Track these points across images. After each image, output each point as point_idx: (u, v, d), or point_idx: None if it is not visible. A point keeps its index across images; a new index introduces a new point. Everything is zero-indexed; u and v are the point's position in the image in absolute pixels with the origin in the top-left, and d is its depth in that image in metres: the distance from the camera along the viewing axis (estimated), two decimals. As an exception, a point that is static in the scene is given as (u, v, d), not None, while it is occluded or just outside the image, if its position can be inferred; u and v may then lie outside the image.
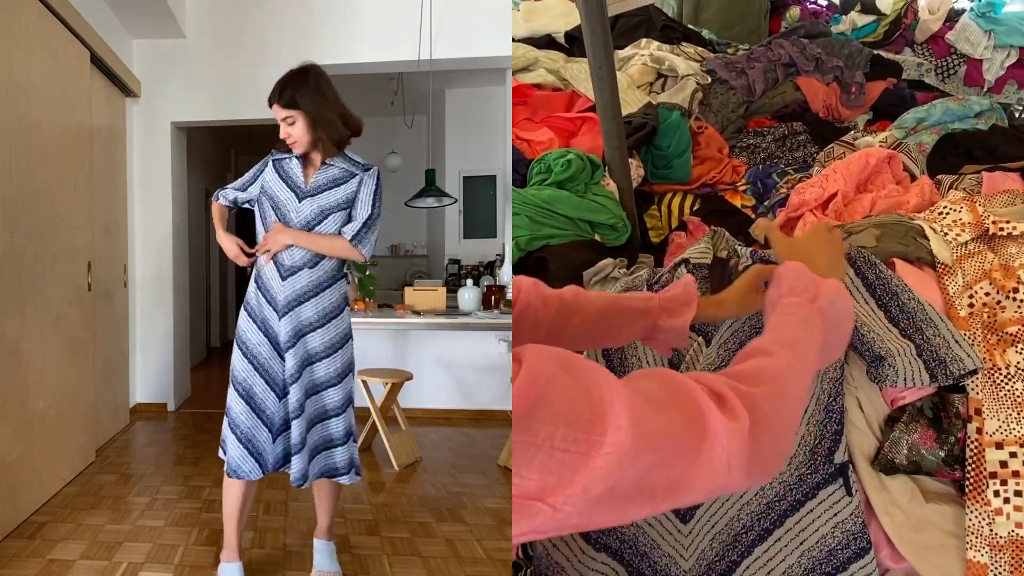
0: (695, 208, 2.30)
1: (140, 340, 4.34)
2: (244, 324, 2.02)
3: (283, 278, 1.97)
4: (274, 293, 1.97)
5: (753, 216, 2.26)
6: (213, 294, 7.54)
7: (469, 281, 4.30)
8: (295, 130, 2.01)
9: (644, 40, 3.12)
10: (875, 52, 3.16)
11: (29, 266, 2.63)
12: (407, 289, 4.29)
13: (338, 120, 2.05)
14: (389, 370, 3.63)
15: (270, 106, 2.07)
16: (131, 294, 4.20)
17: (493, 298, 4.15)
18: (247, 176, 2.15)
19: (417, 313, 3.91)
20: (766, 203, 2.25)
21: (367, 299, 4.10)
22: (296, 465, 1.95)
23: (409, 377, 3.51)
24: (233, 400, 2.00)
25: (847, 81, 2.87)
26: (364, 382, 3.39)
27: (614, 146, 2.17)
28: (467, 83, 5.85)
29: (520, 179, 2.35)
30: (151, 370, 4.38)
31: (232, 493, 2.03)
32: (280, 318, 1.96)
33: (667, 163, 2.40)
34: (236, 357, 2.02)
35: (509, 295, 4.04)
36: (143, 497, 2.80)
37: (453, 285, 5.26)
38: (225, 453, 2.02)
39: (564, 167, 2.14)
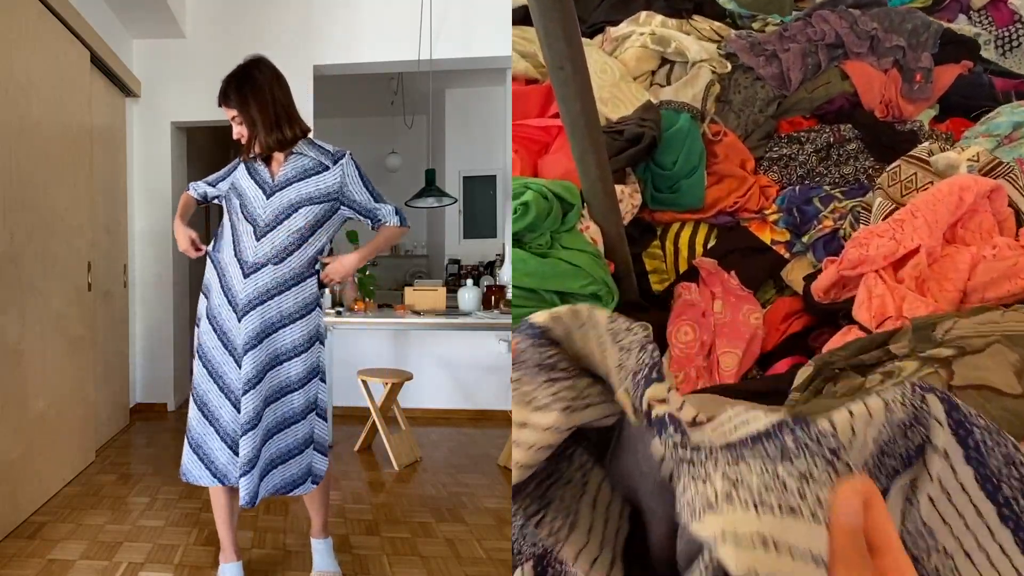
0: (710, 244, 1.80)
1: (140, 340, 4.34)
2: (203, 326, 1.92)
3: (245, 276, 1.85)
4: (235, 293, 1.86)
5: (787, 256, 1.76)
6: (213, 294, 7.53)
7: (469, 281, 4.30)
8: (244, 129, 1.95)
9: (644, 14, 2.30)
10: (946, 26, 2.37)
11: (29, 266, 2.63)
12: (407, 289, 4.29)
13: (277, 121, 1.91)
14: (389, 370, 3.63)
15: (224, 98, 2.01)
16: (131, 294, 4.20)
17: (493, 298, 4.14)
18: (220, 172, 2.10)
19: (417, 313, 3.91)
20: (804, 239, 1.75)
21: (367, 299, 4.10)
22: (244, 485, 1.82)
23: (409, 377, 3.51)
24: (191, 403, 1.96)
25: (909, 67, 2.17)
26: (364, 382, 3.39)
27: (594, 176, 1.52)
28: (467, 83, 5.85)
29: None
30: (151, 370, 4.38)
31: (216, 497, 2.01)
32: (240, 319, 1.84)
33: (673, 184, 1.82)
34: (195, 362, 1.93)
35: (509, 295, 4.03)
36: (143, 497, 2.80)
37: (453, 285, 5.26)
38: None
39: (519, 213, 1.54)
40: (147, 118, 4.29)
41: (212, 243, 2.00)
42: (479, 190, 6.10)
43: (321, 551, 2.11)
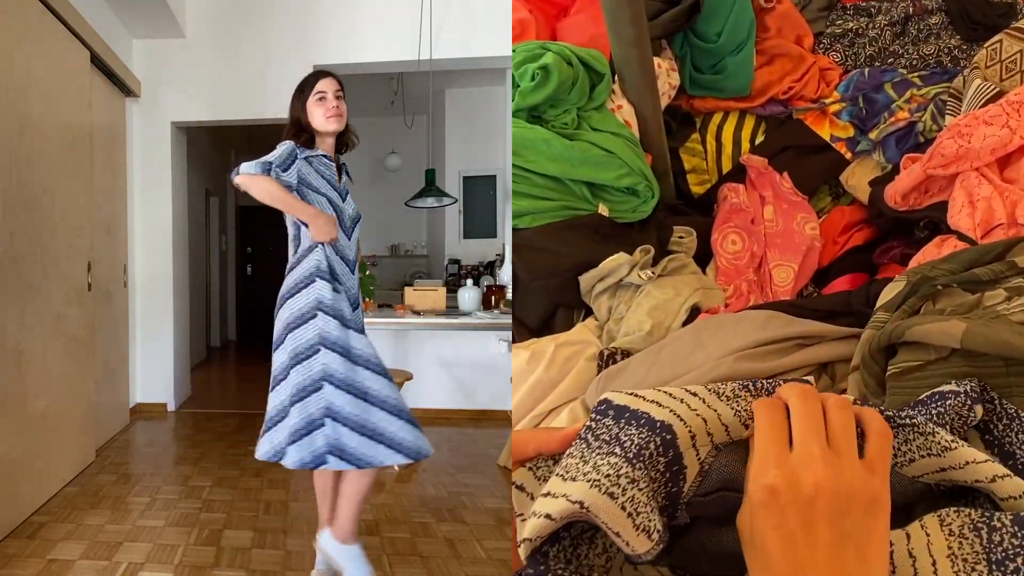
0: (758, 140, 1.52)
1: (140, 340, 4.34)
2: (323, 318, 1.88)
3: (352, 272, 2.02)
4: (348, 286, 1.97)
5: (849, 156, 1.48)
6: (213, 294, 7.54)
7: (469, 281, 4.30)
8: (343, 107, 1.96)
9: None
10: None
11: (29, 266, 2.63)
12: (407, 289, 4.29)
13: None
14: (389, 370, 3.63)
15: (323, 77, 1.98)
16: (131, 294, 4.20)
17: (493, 298, 4.14)
18: (283, 157, 1.90)
19: (417, 313, 3.91)
20: (872, 134, 1.46)
21: (367, 299, 4.10)
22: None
23: (409, 377, 3.51)
24: (330, 392, 1.89)
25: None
26: (364, 382, 3.38)
27: (628, 38, 1.24)
28: (467, 83, 5.85)
29: None
30: (151, 370, 4.38)
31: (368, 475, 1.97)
32: (353, 310, 2.00)
33: (716, 63, 1.51)
34: (323, 352, 1.89)
35: (509, 295, 4.03)
36: (143, 497, 2.80)
37: (453, 285, 5.26)
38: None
39: (537, 80, 1.25)
40: (147, 118, 4.29)
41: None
42: (479, 190, 6.10)
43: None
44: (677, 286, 1.18)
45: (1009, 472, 0.48)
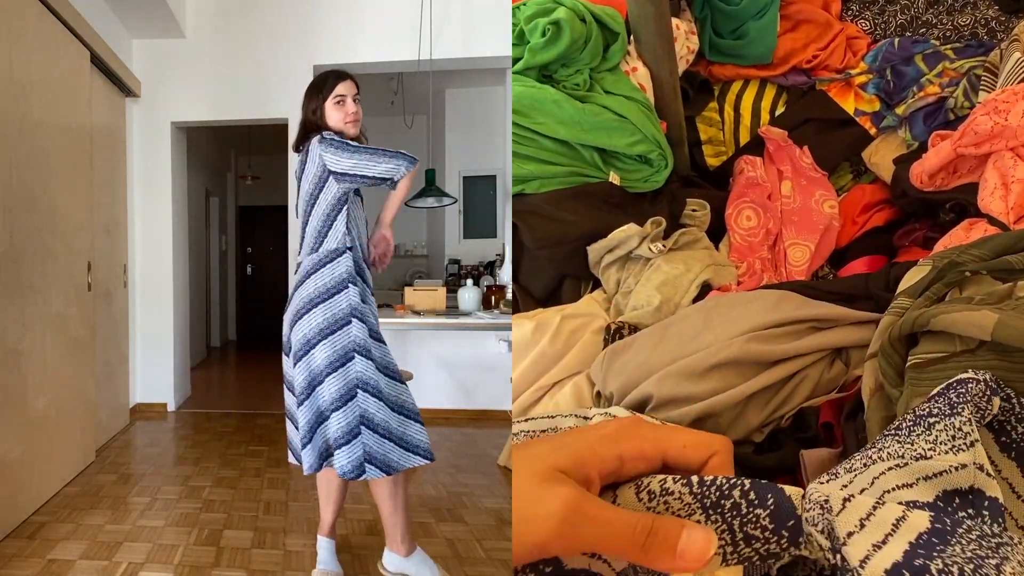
0: (779, 112, 1.45)
1: (140, 340, 4.34)
2: (356, 323, 1.87)
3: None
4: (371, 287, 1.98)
5: (874, 132, 1.41)
6: (213, 294, 7.54)
7: (469, 281, 4.30)
8: (360, 111, 2.01)
9: None
10: None
11: (29, 266, 2.63)
12: (407, 289, 4.28)
13: None
14: (389, 370, 3.63)
15: (342, 79, 1.98)
16: (131, 294, 4.20)
17: (493, 298, 4.15)
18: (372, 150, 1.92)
19: (417, 313, 3.91)
20: (898, 109, 1.38)
21: (367, 299, 4.10)
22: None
23: (409, 377, 3.51)
24: (367, 398, 1.89)
25: None
26: (364, 382, 3.38)
27: None
28: (467, 83, 5.85)
29: None
30: (151, 370, 4.38)
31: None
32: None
33: (738, 28, 1.44)
34: (358, 358, 1.87)
35: (509, 295, 4.04)
36: (143, 497, 2.80)
37: (453, 285, 5.26)
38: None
39: (548, 36, 1.18)
40: (147, 118, 4.29)
41: (346, 235, 1.91)
42: (479, 190, 6.10)
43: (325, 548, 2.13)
44: (688, 261, 1.13)
45: None
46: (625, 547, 0.44)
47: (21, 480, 2.53)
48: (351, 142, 1.94)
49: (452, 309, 4.12)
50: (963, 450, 0.49)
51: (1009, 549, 0.43)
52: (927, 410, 0.55)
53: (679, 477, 0.48)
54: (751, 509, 0.46)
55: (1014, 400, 0.55)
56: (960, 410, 0.52)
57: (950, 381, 0.57)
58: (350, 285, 1.87)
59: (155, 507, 2.69)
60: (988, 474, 0.48)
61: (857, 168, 1.45)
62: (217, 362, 6.88)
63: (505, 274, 4.70)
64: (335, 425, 1.84)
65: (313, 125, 1.97)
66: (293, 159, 4.04)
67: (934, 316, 0.73)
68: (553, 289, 1.23)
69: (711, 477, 0.48)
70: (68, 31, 3.06)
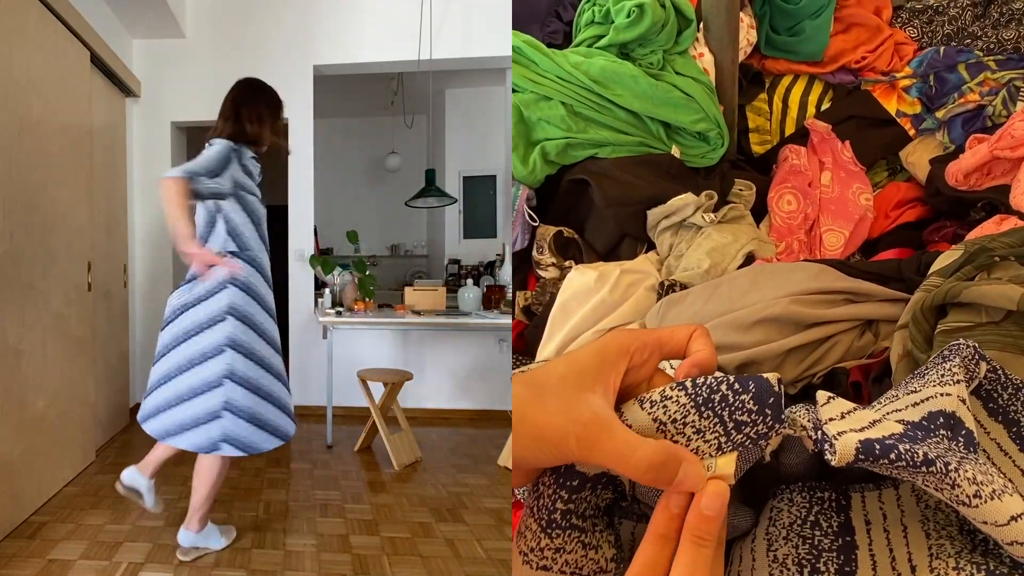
0: (824, 107, 1.54)
1: (140, 340, 4.34)
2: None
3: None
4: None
5: (913, 133, 1.48)
6: (213, 294, 7.52)
7: (469, 281, 4.31)
8: None
9: None
10: None
11: (29, 266, 2.63)
12: (407, 289, 4.29)
13: None
14: (389, 370, 3.63)
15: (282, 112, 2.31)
16: (131, 294, 4.20)
17: (493, 298, 4.15)
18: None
19: (417, 313, 3.91)
20: (939, 113, 1.46)
21: (367, 299, 4.10)
22: None
23: (409, 377, 3.51)
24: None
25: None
26: (364, 382, 3.39)
27: None
28: (467, 83, 5.85)
29: (564, 31, 1.48)
30: (151, 370, 4.37)
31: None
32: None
33: (794, 25, 1.54)
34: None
35: (509, 295, 4.04)
36: (143, 497, 2.80)
37: (453, 285, 5.26)
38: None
39: (632, 17, 1.29)
40: (147, 118, 4.29)
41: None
42: (479, 190, 6.10)
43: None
44: (735, 232, 1.24)
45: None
46: (635, 472, 0.49)
47: (21, 480, 2.53)
48: None
49: (452, 309, 4.12)
50: (949, 384, 0.56)
51: (971, 462, 0.48)
52: (923, 369, 0.62)
53: (675, 384, 0.54)
54: (736, 396, 0.51)
55: (999, 371, 0.62)
56: (951, 359, 0.59)
57: (943, 348, 0.62)
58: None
59: (155, 507, 2.69)
60: (968, 408, 0.53)
61: (893, 166, 1.52)
62: (217, 362, 6.87)
63: (505, 274, 4.70)
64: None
65: None
66: (293, 159, 4.04)
67: (966, 288, 0.81)
68: (613, 246, 1.35)
69: (701, 378, 0.53)
70: (68, 31, 3.06)
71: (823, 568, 0.56)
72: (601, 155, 1.31)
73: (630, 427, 0.53)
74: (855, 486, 0.61)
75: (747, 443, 0.51)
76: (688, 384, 0.53)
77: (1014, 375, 0.62)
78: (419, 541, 2.40)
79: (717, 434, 0.51)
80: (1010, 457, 0.60)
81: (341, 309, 3.96)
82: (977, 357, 0.61)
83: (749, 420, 0.51)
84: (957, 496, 0.48)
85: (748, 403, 0.51)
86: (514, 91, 1.32)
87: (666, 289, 1.20)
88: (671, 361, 0.63)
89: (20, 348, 2.54)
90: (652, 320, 1.12)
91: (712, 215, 1.25)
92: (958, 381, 0.56)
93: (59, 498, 2.78)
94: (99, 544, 2.34)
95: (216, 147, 2.09)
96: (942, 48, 1.54)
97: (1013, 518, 0.46)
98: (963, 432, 0.52)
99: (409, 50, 4.07)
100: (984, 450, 0.60)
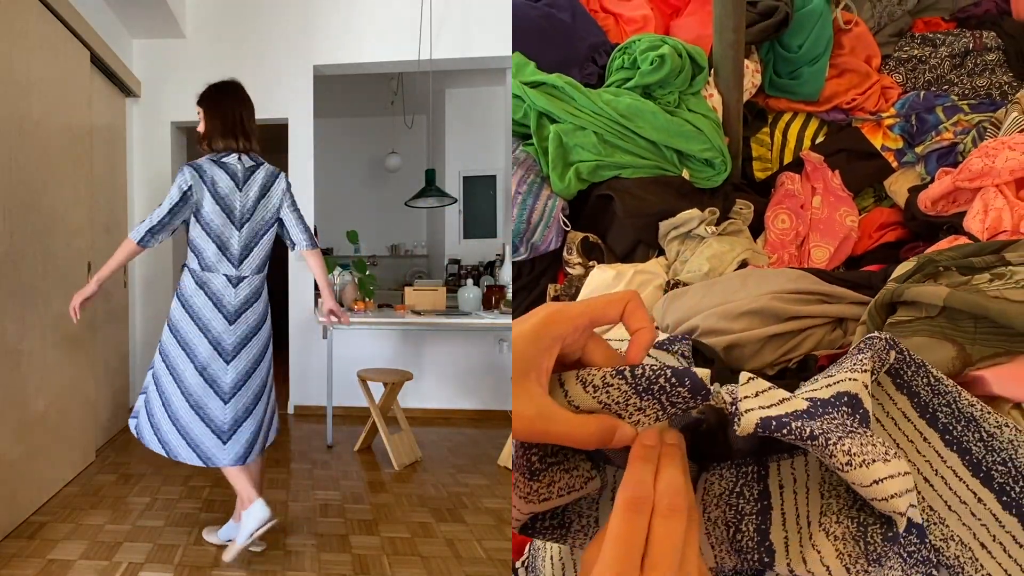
0: (819, 140, 1.76)
1: (140, 340, 4.34)
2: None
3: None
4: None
5: (896, 165, 1.70)
6: (213, 294, 7.53)
7: (469, 281, 4.31)
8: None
9: None
10: None
11: (29, 266, 2.63)
12: (407, 289, 4.29)
13: None
14: (389, 370, 3.64)
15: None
16: (131, 294, 4.20)
17: (493, 298, 4.15)
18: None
19: (417, 313, 3.91)
20: (918, 149, 1.68)
21: (367, 299, 4.10)
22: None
23: (409, 377, 3.51)
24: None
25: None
26: (364, 382, 3.39)
27: (728, 42, 1.57)
28: (467, 83, 5.85)
29: (598, 74, 1.73)
30: (151, 370, 4.38)
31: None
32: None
33: (794, 70, 1.77)
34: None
35: (509, 295, 4.04)
36: (143, 497, 2.80)
37: (453, 285, 5.27)
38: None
39: (655, 65, 1.56)
40: (147, 118, 4.29)
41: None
42: (479, 190, 6.10)
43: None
44: (733, 243, 1.46)
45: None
46: (583, 444, 0.61)
47: (21, 480, 2.53)
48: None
49: (452, 309, 4.12)
50: (858, 372, 0.68)
51: (858, 436, 0.60)
52: (843, 358, 0.75)
53: (615, 371, 0.62)
54: (673, 388, 0.61)
55: (906, 353, 0.76)
56: (864, 351, 0.72)
57: (861, 339, 0.76)
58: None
59: (155, 507, 2.69)
60: (869, 393, 0.66)
61: (879, 194, 1.72)
62: (217, 362, 6.88)
63: (505, 274, 4.70)
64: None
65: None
66: (293, 159, 4.06)
67: (907, 288, 1.03)
68: (629, 251, 1.59)
69: (640, 368, 0.61)
70: (68, 31, 3.06)
71: (744, 528, 0.68)
72: (624, 175, 1.58)
73: (576, 406, 0.62)
74: (774, 456, 0.73)
75: (678, 413, 0.62)
76: (628, 375, 0.61)
77: (919, 356, 0.76)
78: (419, 541, 2.40)
79: (655, 411, 0.62)
80: (911, 422, 0.76)
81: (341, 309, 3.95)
82: (887, 347, 0.74)
83: (682, 403, 0.61)
84: (834, 463, 0.59)
85: (684, 393, 0.61)
86: (553, 121, 1.57)
87: (671, 286, 1.41)
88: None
89: (20, 348, 2.54)
90: (658, 311, 1.31)
91: (713, 228, 1.47)
92: (865, 370, 0.69)
93: (59, 498, 2.78)
94: (99, 544, 2.34)
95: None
96: (923, 93, 1.78)
97: (875, 481, 0.58)
98: (860, 411, 0.64)
99: (409, 50, 4.07)
100: (891, 418, 0.76)
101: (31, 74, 2.68)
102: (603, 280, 1.45)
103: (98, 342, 3.44)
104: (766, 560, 0.68)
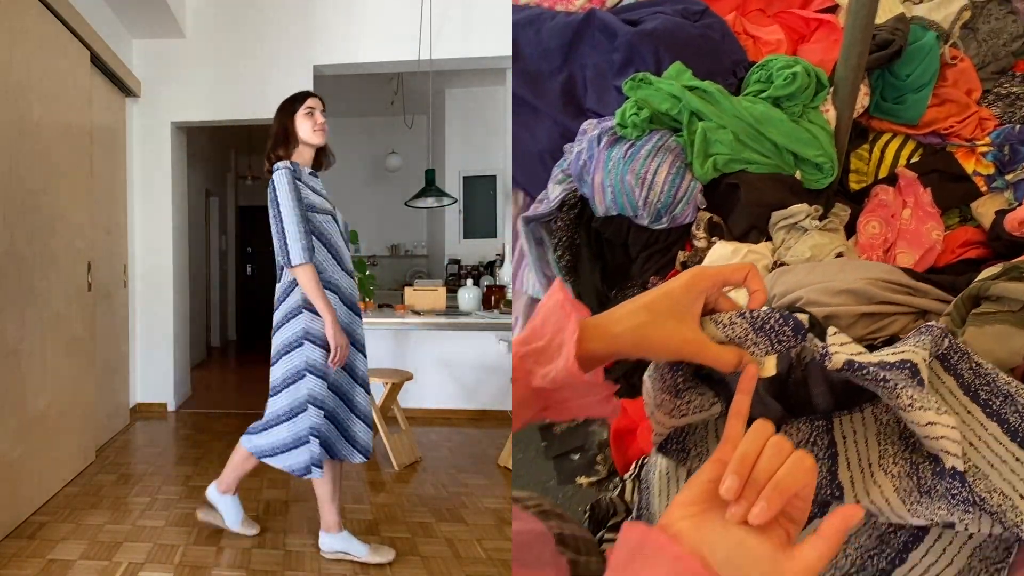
0: (914, 160, 1.91)
1: (140, 340, 4.34)
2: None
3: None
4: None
5: (985, 190, 1.84)
6: (213, 294, 7.54)
7: (469, 281, 4.31)
8: (327, 125, 2.24)
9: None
10: None
11: (29, 266, 2.63)
12: (407, 289, 4.29)
13: None
14: (389, 370, 3.64)
15: (310, 96, 2.26)
16: (131, 294, 4.21)
17: (493, 298, 4.15)
18: (295, 192, 2.13)
19: (417, 313, 3.91)
20: (1008, 176, 1.81)
21: (367, 299, 4.10)
22: None
23: (409, 377, 3.51)
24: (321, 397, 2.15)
25: None
26: (364, 382, 3.38)
27: (851, 65, 1.78)
28: (467, 83, 5.85)
29: (736, 85, 2.01)
30: (151, 370, 4.38)
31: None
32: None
33: (900, 96, 1.96)
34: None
35: (509, 295, 4.04)
36: (143, 497, 2.80)
37: (453, 285, 5.27)
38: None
39: (787, 81, 1.83)
40: (147, 118, 4.29)
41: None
42: (479, 190, 6.11)
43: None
44: (832, 238, 1.70)
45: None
46: (723, 368, 0.80)
47: (21, 480, 2.53)
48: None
49: (452, 309, 4.12)
50: (920, 348, 0.87)
51: (918, 388, 0.82)
52: (907, 336, 0.95)
53: (738, 313, 0.81)
54: (780, 327, 0.80)
55: (957, 344, 0.95)
56: (925, 335, 0.92)
57: (923, 326, 0.95)
58: (304, 311, 2.11)
59: (155, 507, 2.69)
60: (927, 364, 0.86)
61: (965, 215, 1.86)
62: (217, 362, 6.88)
63: (505, 274, 4.70)
64: (284, 433, 2.18)
65: (285, 132, 2.21)
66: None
67: (994, 284, 1.23)
68: (744, 233, 1.81)
69: (756, 311, 0.80)
70: (68, 31, 3.06)
71: (819, 469, 0.85)
72: (749, 170, 1.83)
73: (711, 339, 0.81)
74: (837, 412, 0.95)
75: (783, 350, 0.80)
76: (748, 315, 0.80)
77: (964, 344, 0.97)
78: (419, 541, 2.40)
79: (766, 345, 0.80)
80: (956, 398, 0.93)
81: (341, 309, 3.95)
82: (943, 335, 0.93)
83: (785, 340, 0.80)
84: (898, 404, 0.81)
85: (787, 331, 0.80)
86: (699, 119, 1.84)
87: (775, 267, 1.69)
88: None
89: (20, 348, 2.54)
90: (768, 282, 1.52)
91: (817, 223, 1.71)
92: (925, 348, 0.88)
93: (59, 498, 2.78)
94: (99, 544, 2.34)
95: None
96: (1018, 126, 1.90)
97: (930, 423, 0.79)
98: (918, 378, 0.82)
99: (409, 50, 4.07)
100: (939, 394, 0.93)
101: (31, 74, 2.68)
102: (722, 254, 1.73)
103: (98, 342, 3.44)
104: (836, 495, 0.88)
